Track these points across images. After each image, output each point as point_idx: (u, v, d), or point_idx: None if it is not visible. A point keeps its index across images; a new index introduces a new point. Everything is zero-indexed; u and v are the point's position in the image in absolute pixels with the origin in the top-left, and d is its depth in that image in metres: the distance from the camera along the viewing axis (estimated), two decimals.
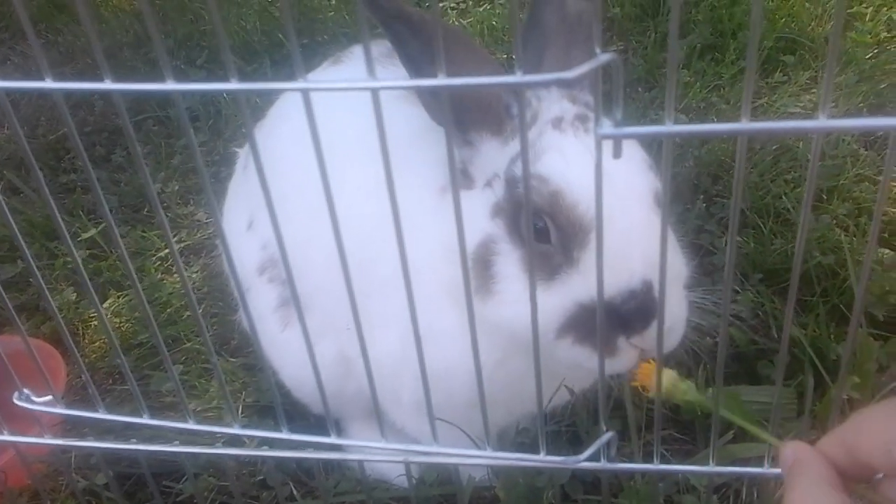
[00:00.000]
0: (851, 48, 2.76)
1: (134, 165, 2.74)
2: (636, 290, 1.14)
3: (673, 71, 0.84)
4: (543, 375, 1.11)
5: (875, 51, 2.76)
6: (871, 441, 0.79)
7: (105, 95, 3.02)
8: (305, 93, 0.88)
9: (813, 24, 2.90)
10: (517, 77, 0.79)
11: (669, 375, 1.12)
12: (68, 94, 1.01)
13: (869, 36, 2.79)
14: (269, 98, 1.84)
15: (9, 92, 0.97)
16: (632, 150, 1.25)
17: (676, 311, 1.22)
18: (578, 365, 1.22)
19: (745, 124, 0.84)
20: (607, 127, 0.85)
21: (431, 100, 1.28)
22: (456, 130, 1.29)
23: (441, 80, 0.82)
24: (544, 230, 1.19)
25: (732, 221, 0.92)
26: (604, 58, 0.79)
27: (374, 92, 0.85)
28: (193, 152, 0.93)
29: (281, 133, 1.62)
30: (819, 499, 0.80)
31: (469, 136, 1.30)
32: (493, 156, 1.29)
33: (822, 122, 0.83)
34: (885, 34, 2.81)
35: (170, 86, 0.88)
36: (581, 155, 1.20)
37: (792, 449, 0.87)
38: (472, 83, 0.82)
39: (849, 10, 2.92)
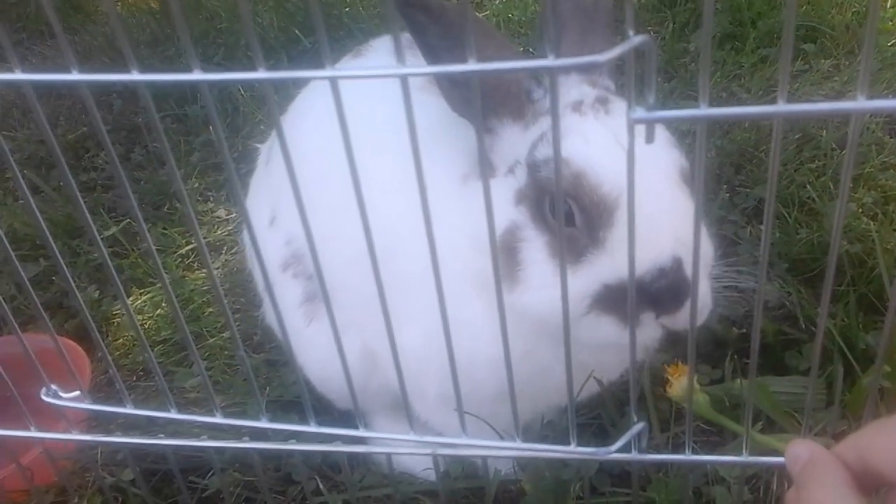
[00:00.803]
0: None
1: (154, 163, 2.75)
2: (666, 267, 1.13)
3: (707, 51, 0.82)
4: (573, 365, 1.10)
5: None
6: (885, 450, 0.78)
7: (126, 91, 3.05)
8: (333, 81, 0.87)
9: (833, 11, 2.87)
10: (549, 61, 0.78)
11: (685, 386, 1.12)
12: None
13: (891, 23, 2.76)
14: (287, 94, 1.83)
15: (35, 86, 0.97)
16: (657, 127, 1.23)
17: (704, 293, 1.20)
18: (601, 338, 1.20)
19: (781, 106, 0.82)
20: (639, 111, 0.83)
21: (451, 89, 1.26)
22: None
23: (471, 66, 0.81)
24: (569, 213, 1.18)
25: (768, 206, 0.90)
26: (636, 40, 0.78)
27: (404, 79, 0.84)
28: (220, 143, 0.92)
29: (304, 126, 1.61)
30: (843, 500, 0.79)
31: (489, 123, 1.29)
32: (514, 142, 1.28)
33: (860, 102, 0.81)
34: None
35: (196, 76, 0.87)
36: (602, 136, 1.19)
37: (806, 448, 0.86)
38: (503, 68, 0.80)
39: None
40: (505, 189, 1.27)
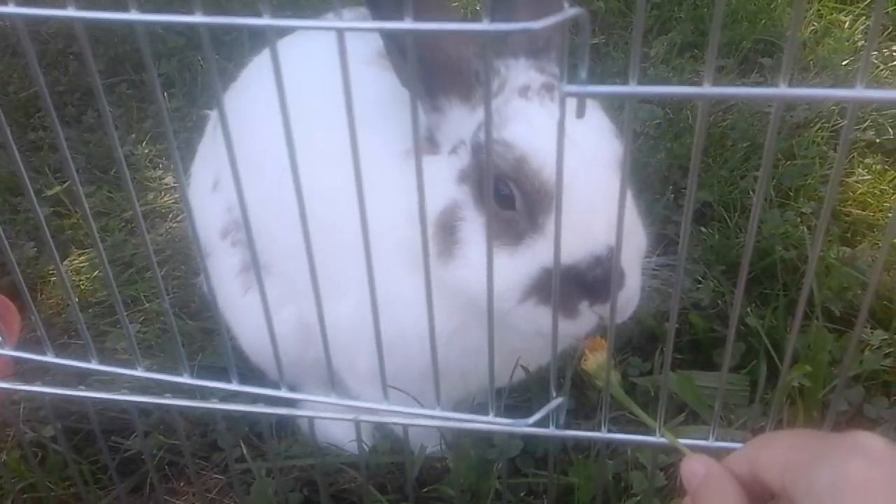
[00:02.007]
0: (829, 54, 2.79)
1: (104, 127, 2.70)
2: (601, 255, 1.15)
3: (638, 32, 0.84)
4: (500, 350, 1.11)
5: (851, 58, 2.79)
6: (771, 461, 0.81)
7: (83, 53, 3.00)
8: (271, 35, 0.87)
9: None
10: (484, 25, 0.79)
11: (602, 362, 1.13)
12: (41, 54, 0.98)
13: (846, 43, 2.83)
14: (241, 63, 1.82)
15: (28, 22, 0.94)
16: (597, 117, 1.26)
17: (634, 282, 1.22)
18: (538, 327, 1.22)
19: (707, 88, 0.84)
20: (571, 86, 0.85)
21: (401, 59, 1.27)
22: (424, 95, 1.28)
23: (407, 24, 0.81)
24: (509, 196, 1.19)
25: (691, 185, 0.92)
26: (571, 12, 0.79)
27: (340, 33, 0.84)
28: (153, 86, 0.91)
29: (250, 94, 1.61)
30: None
31: (438, 102, 1.29)
32: (461, 122, 1.28)
33: (782, 90, 0.83)
34: (861, 42, 2.84)
35: (133, 16, 0.86)
36: (546, 122, 1.20)
37: (702, 464, 0.89)
38: (439, 28, 0.81)
39: (828, 18, 2.96)
40: (448, 167, 1.27)
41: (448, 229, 1.25)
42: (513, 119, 1.21)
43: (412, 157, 1.34)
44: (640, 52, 0.87)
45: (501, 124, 1.21)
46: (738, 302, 1.03)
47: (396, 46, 1.25)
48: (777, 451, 0.81)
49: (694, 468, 0.89)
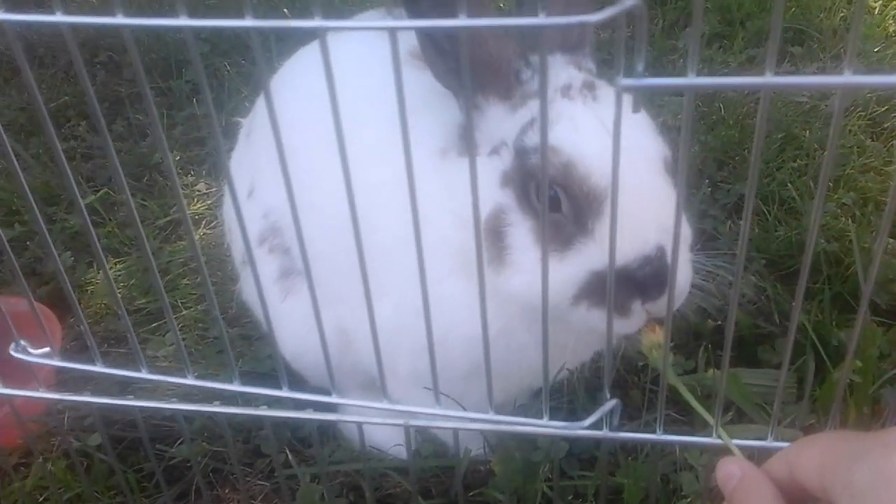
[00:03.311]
0: (860, 41, 2.74)
1: (135, 135, 2.72)
2: (651, 255, 1.14)
3: (698, 23, 0.82)
4: (549, 346, 1.10)
5: (882, 45, 2.75)
6: (809, 462, 0.79)
7: (110, 62, 3.03)
8: (322, 35, 0.86)
9: (822, 15, 2.89)
10: (539, 19, 0.78)
11: (657, 338, 1.13)
12: (68, 64, 0.98)
13: (877, 29, 2.78)
14: (269, 68, 1.82)
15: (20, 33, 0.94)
16: (640, 117, 1.23)
17: (685, 275, 1.22)
18: (593, 328, 1.21)
19: (768, 78, 0.82)
20: (627, 79, 0.83)
21: (437, 56, 1.25)
22: (462, 93, 1.27)
23: (460, 22, 0.80)
24: (555, 199, 1.18)
25: (750, 185, 0.90)
26: (628, 3, 0.77)
27: (392, 33, 0.83)
28: (202, 87, 0.91)
29: (286, 94, 1.60)
30: None
31: (476, 100, 1.28)
32: (500, 122, 1.27)
33: (846, 77, 0.81)
34: (893, 28, 2.80)
35: (182, 21, 0.86)
36: (592, 123, 1.19)
37: (738, 466, 0.87)
38: (492, 24, 0.80)
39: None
40: (490, 170, 1.26)
41: (496, 234, 1.23)
42: (558, 121, 1.19)
43: (449, 156, 1.34)
44: (699, 44, 0.85)
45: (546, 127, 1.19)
46: (798, 309, 1.01)
47: (433, 45, 1.23)
48: (815, 452, 0.79)
49: (730, 470, 0.88)
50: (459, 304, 1.29)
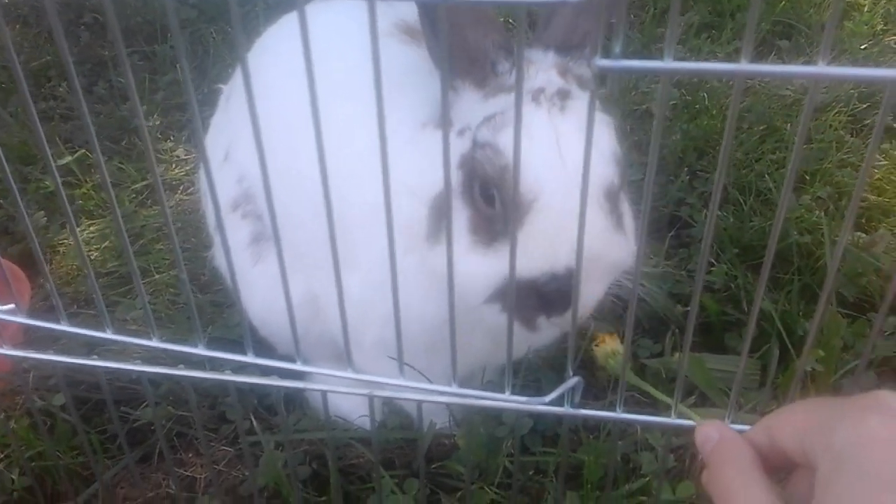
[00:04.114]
0: (847, 38, 2.76)
1: (116, 98, 2.69)
2: (558, 274, 1.15)
3: (676, 7, 0.82)
4: (487, 334, 1.11)
5: (870, 42, 2.76)
6: (789, 427, 0.80)
7: (95, 23, 2.99)
8: (300, 2, 0.85)
9: (811, 10, 2.90)
10: None
11: (610, 348, 1.16)
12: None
13: (865, 27, 2.79)
14: (255, 34, 1.80)
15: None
16: (602, 137, 1.22)
17: (590, 297, 1.22)
18: (499, 331, 1.21)
19: (743, 65, 0.82)
20: (605, 60, 0.83)
21: (433, 35, 1.25)
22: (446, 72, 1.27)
23: None
24: (491, 197, 1.20)
25: (719, 171, 0.91)
26: None
27: (371, 3, 0.83)
28: (179, 53, 0.90)
29: (264, 63, 1.59)
30: (751, 481, 0.80)
31: (454, 82, 1.28)
32: (471, 107, 1.27)
33: (820, 68, 0.81)
34: (881, 26, 2.81)
35: None
36: (544, 134, 1.18)
37: (716, 429, 0.88)
38: (477, 0, 0.79)
39: (847, 1, 2.92)
40: (453, 149, 1.26)
41: (440, 213, 1.24)
42: (510, 124, 1.19)
43: (427, 129, 1.34)
44: (678, 29, 0.85)
45: (499, 126, 1.20)
46: (760, 292, 1.01)
47: (429, 22, 1.23)
48: (796, 417, 0.80)
49: (708, 433, 0.88)
50: (412, 282, 1.30)
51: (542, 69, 1.26)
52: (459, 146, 1.25)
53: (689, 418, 1.12)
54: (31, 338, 1.82)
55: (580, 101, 1.23)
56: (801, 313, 1.77)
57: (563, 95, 1.22)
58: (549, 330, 1.21)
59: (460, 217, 1.22)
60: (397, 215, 1.26)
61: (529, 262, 1.14)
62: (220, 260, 1.79)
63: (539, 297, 1.17)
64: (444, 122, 0.89)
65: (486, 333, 1.34)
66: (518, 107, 0.84)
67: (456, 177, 1.24)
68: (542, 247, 1.15)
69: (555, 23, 1.29)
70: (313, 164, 0.99)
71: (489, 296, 1.21)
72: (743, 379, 1.65)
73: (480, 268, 1.20)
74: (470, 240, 1.21)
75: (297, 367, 1.20)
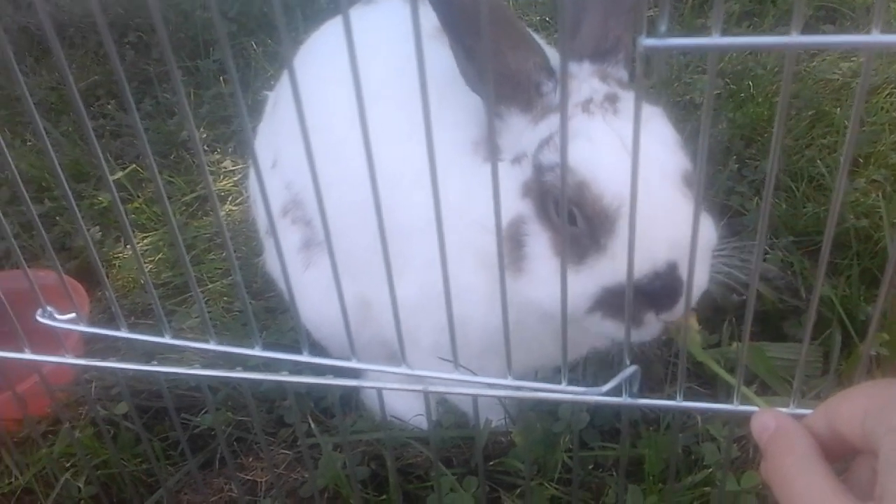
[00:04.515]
0: (893, 19, 2.69)
1: (163, 114, 2.75)
2: (661, 272, 1.15)
3: None
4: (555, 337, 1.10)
5: None
6: (849, 411, 0.78)
7: (139, 42, 3.06)
8: (344, 4, 0.86)
9: None
10: None
11: (692, 331, 1.16)
12: (97, 44, 0.99)
13: None
14: (297, 44, 1.82)
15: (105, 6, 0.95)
16: (662, 129, 1.23)
17: (700, 283, 1.22)
18: (606, 336, 1.24)
19: (794, 37, 0.80)
20: (651, 40, 0.82)
21: (466, 61, 1.25)
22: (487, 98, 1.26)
23: None
24: (571, 215, 1.19)
25: (774, 149, 0.89)
26: None
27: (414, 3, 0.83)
28: (228, 64, 0.91)
29: (312, 69, 1.60)
30: (810, 469, 0.78)
31: (498, 109, 1.27)
32: (521, 133, 1.27)
33: (874, 36, 0.79)
34: None
35: None
36: (608, 140, 1.18)
37: (773, 418, 0.85)
38: None
39: None
40: (512, 178, 1.25)
41: (515, 242, 1.24)
42: (574, 139, 1.18)
43: (480, 151, 1.34)
44: (723, 4, 0.84)
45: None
46: (821, 278, 0.99)
47: (462, 49, 1.24)
48: (858, 399, 0.78)
49: (764, 421, 0.86)
50: (478, 295, 1.30)
51: (584, 79, 1.25)
52: (519, 175, 1.25)
53: (754, 404, 1.10)
54: (91, 349, 1.86)
55: (628, 101, 1.22)
56: (861, 298, 1.73)
57: (612, 99, 1.22)
58: (655, 325, 1.20)
59: (540, 242, 1.22)
60: (466, 245, 1.28)
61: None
62: (271, 265, 1.81)
63: (645, 295, 1.16)
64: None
65: (553, 336, 1.32)
66: (563, 117, 0.83)
67: (524, 206, 1.23)
68: (639, 249, 1.13)
69: (584, 32, 1.28)
70: (360, 172, 0.99)
71: (588, 309, 1.20)
72: (805, 366, 1.63)
73: (575, 287, 1.17)
74: (557, 263, 1.18)
75: (353, 364, 1.21)
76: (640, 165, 1.14)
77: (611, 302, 1.18)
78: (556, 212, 1.20)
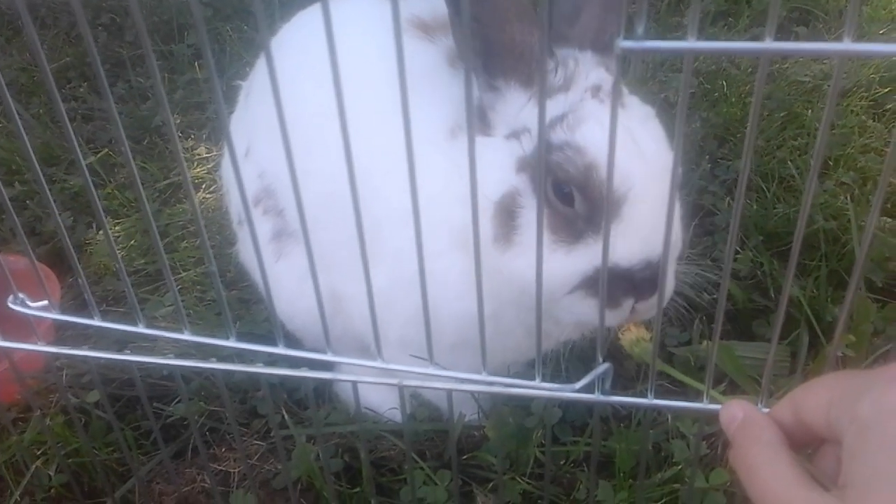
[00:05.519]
0: (866, 23, 2.74)
1: (136, 98, 2.71)
2: (653, 262, 1.17)
3: None
4: (528, 330, 1.12)
5: (888, 27, 2.74)
6: (814, 400, 0.80)
7: (112, 24, 3.01)
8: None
9: None
10: None
11: (636, 335, 1.20)
12: (70, 26, 0.97)
13: (883, 11, 2.77)
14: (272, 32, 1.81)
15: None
16: (656, 125, 1.25)
17: (671, 282, 1.28)
18: (580, 317, 1.24)
19: (768, 44, 0.82)
20: (628, 42, 0.83)
21: (460, 24, 1.24)
22: (481, 72, 1.26)
23: None
24: (569, 195, 1.20)
25: (746, 151, 0.91)
26: None
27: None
28: (204, 50, 0.91)
29: (287, 57, 1.59)
30: (776, 458, 0.80)
31: (496, 82, 1.27)
32: (521, 108, 1.26)
33: (845, 45, 0.81)
34: None
35: None
36: (619, 129, 1.19)
37: (740, 408, 0.87)
38: None
39: None
40: (506, 153, 1.26)
41: (508, 213, 1.24)
42: (586, 121, 1.19)
43: (459, 135, 1.34)
44: (699, 8, 0.85)
45: (574, 125, 1.20)
46: (789, 279, 1.01)
47: (456, 11, 1.23)
48: (822, 390, 0.80)
49: (733, 412, 0.88)
50: (454, 280, 1.30)
51: (591, 67, 1.26)
52: (516, 150, 1.25)
53: (721, 404, 1.12)
54: (63, 336, 1.84)
55: (630, 97, 1.26)
56: (829, 299, 1.77)
57: (619, 93, 1.22)
58: (626, 310, 1.22)
59: (533, 218, 1.22)
60: (443, 219, 1.28)
61: (629, 251, 1.16)
62: (244, 255, 1.80)
63: (631, 282, 1.19)
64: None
65: (527, 330, 1.33)
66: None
67: (519, 181, 1.24)
68: (641, 235, 1.16)
69: (583, 21, 1.29)
70: (335, 163, 0.99)
71: (572, 287, 1.22)
72: (773, 366, 1.66)
73: (565, 266, 1.20)
74: (551, 239, 1.20)
75: (327, 357, 1.21)
76: (645, 158, 1.17)
77: (596, 283, 1.19)
78: (554, 192, 1.20)
